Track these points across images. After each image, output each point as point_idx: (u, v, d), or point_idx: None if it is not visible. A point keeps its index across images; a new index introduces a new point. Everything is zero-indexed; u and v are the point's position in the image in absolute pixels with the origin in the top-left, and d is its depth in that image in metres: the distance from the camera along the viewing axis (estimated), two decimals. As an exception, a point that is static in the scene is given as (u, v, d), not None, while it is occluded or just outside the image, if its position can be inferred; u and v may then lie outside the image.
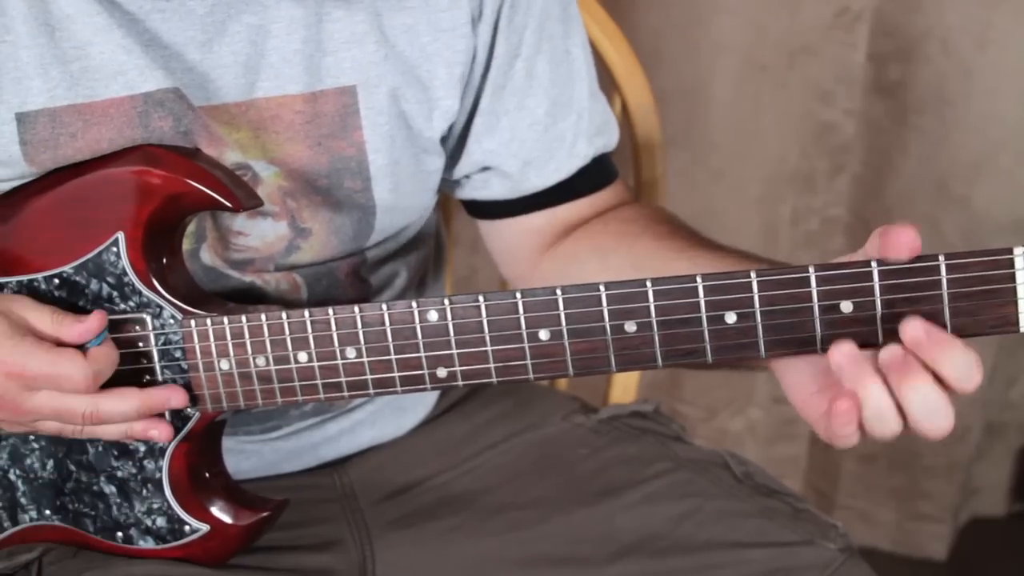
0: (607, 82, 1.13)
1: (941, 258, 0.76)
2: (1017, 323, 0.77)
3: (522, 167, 1.03)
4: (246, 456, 1.06)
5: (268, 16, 0.92)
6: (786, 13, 1.71)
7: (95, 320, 0.88)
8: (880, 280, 0.77)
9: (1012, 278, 0.76)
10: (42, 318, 0.88)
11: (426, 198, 1.05)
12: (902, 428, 0.77)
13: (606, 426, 1.12)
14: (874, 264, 0.77)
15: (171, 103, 0.91)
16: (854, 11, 1.70)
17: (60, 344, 0.87)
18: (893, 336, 0.77)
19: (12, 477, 0.96)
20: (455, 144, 1.03)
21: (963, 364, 0.75)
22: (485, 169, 1.04)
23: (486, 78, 1.00)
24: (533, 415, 1.14)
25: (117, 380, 0.90)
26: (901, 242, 0.76)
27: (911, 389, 0.75)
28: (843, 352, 0.77)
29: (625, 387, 1.29)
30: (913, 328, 0.76)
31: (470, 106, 1.01)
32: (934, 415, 0.76)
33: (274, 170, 0.95)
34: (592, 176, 1.06)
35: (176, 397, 0.90)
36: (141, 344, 0.91)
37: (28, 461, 0.95)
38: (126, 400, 0.89)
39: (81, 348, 0.88)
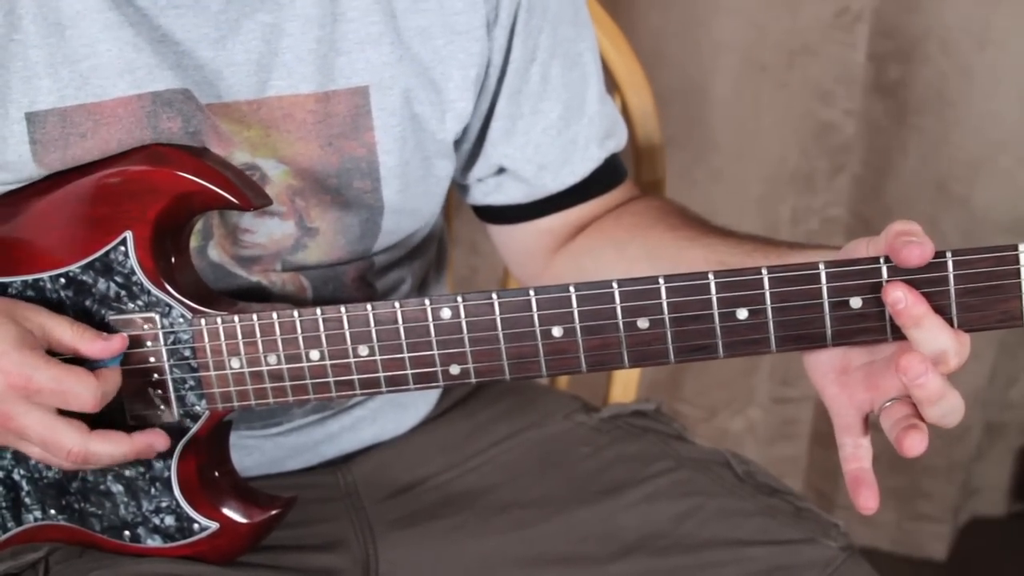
0: (608, 83, 1.13)
1: (948, 255, 0.78)
2: (1021, 317, 0.78)
3: (537, 171, 1.04)
4: (248, 452, 1.06)
5: (283, 15, 0.92)
6: (786, 13, 1.71)
7: (119, 341, 0.88)
8: (888, 276, 0.78)
9: (1017, 274, 0.77)
10: (62, 327, 0.88)
11: (434, 203, 1.05)
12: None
13: (608, 425, 1.12)
14: (882, 260, 0.78)
15: (180, 103, 0.91)
16: (854, 11, 1.70)
17: (76, 356, 0.87)
18: (902, 333, 0.78)
19: (16, 477, 0.96)
20: (471, 147, 1.04)
21: (932, 340, 0.77)
22: (500, 172, 1.05)
23: (502, 82, 1.00)
24: (535, 414, 1.14)
25: (125, 381, 0.90)
26: (912, 256, 0.76)
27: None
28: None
29: (626, 386, 1.29)
30: (894, 291, 0.77)
31: (486, 110, 1.01)
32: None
33: (283, 169, 0.96)
34: (604, 177, 1.07)
35: (160, 440, 0.90)
36: (150, 344, 0.91)
37: (33, 461, 0.95)
38: (116, 444, 0.88)
39: (89, 366, 0.87)
